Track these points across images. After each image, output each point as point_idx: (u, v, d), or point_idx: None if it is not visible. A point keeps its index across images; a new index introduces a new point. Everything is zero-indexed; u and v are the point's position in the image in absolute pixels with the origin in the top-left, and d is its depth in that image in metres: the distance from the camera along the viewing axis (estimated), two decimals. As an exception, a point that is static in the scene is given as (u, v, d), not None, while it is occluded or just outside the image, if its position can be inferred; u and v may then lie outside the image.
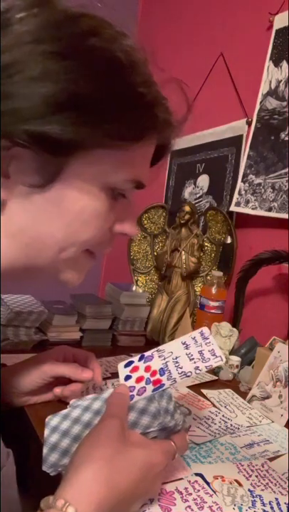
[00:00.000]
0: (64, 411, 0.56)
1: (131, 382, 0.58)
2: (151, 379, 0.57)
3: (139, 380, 0.58)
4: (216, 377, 0.93)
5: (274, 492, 0.56)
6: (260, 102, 1.14)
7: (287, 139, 1.06)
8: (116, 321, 1.12)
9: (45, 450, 0.52)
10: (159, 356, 0.60)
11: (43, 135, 0.39)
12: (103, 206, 0.47)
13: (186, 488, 0.54)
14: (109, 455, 0.44)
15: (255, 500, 0.54)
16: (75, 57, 0.40)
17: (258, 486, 0.57)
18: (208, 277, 1.22)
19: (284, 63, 1.09)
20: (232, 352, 1.00)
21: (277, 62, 1.11)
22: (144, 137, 0.46)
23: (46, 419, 0.55)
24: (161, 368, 0.58)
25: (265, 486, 0.57)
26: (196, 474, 0.57)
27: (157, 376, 0.57)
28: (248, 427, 0.74)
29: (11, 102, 0.39)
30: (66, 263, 0.49)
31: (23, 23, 0.40)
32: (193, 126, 1.41)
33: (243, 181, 1.17)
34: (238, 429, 0.72)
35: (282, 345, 0.81)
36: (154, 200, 1.39)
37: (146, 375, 0.58)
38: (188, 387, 0.86)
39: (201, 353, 0.58)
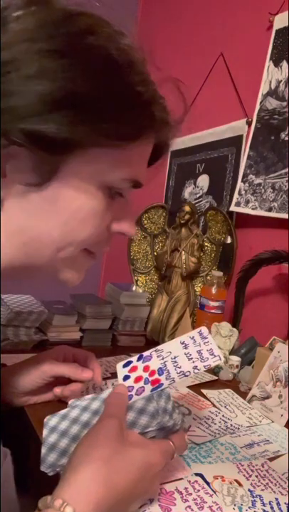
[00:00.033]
0: (63, 411, 0.56)
1: (129, 382, 0.58)
2: (150, 379, 0.57)
3: (137, 379, 0.58)
4: (216, 377, 0.93)
5: (274, 492, 0.56)
6: (260, 102, 1.14)
7: (287, 139, 1.06)
8: (116, 321, 1.12)
9: (43, 450, 0.52)
10: (158, 356, 0.60)
11: (39, 134, 0.39)
12: (100, 205, 0.47)
13: (186, 488, 0.54)
14: (108, 455, 0.44)
15: (255, 500, 0.54)
16: (72, 56, 0.40)
17: (258, 486, 0.57)
18: (208, 277, 1.22)
19: (284, 63, 1.09)
20: (232, 352, 1.00)
21: (277, 63, 1.11)
22: (141, 136, 0.46)
23: (45, 419, 0.55)
24: (160, 368, 0.58)
25: (265, 486, 0.57)
26: (196, 474, 0.57)
27: (156, 376, 0.57)
28: (248, 427, 0.74)
29: (7, 100, 0.39)
30: (65, 262, 0.49)
31: (20, 21, 0.40)
32: (193, 126, 1.41)
33: (243, 181, 1.17)
34: (238, 429, 0.72)
35: (282, 345, 0.81)
36: (154, 200, 1.39)
37: (145, 374, 0.58)
38: (188, 387, 0.86)
39: (199, 352, 0.58)
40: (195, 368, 0.56)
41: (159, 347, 0.63)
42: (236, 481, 0.57)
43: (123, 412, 0.52)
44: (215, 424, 0.73)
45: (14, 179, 0.43)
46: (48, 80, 0.39)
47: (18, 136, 0.39)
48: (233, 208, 1.18)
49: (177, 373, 0.56)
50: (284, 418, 0.76)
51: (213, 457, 0.62)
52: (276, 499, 0.55)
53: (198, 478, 0.56)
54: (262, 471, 0.60)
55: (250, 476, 0.59)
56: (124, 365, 0.62)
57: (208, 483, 0.56)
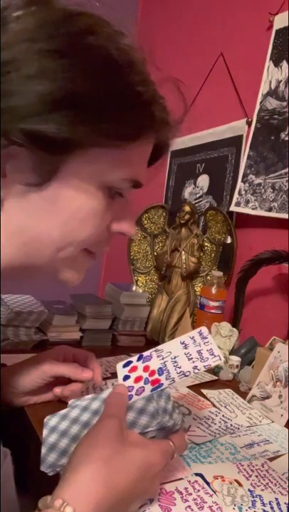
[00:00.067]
0: (63, 411, 0.56)
1: (129, 382, 0.58)
2: (150, 379, 0.57)
3: (137, 379, 0.58)
4: (216, 377, 0.93)
5: (274, 492, 0.56)
6: (260, 102, 1.14)
7: (287, 139, 1.06)
8: (116, 321, 1.12)
9: (43, 450, 0.52)
10: (158, 356, 0.60)
11: (39, 134, 0.39)
12: (100, 205, 0.47)
13: (186, 488, 0.54)
14: (108, 455, 0.44)
15: (255, 500, 0.54)
16: (72, 56, 0.40)
17: (258, 486, 0.57)
18: (208, 277, 1.22)
19: (284, 63, 1.09)
20: (232, 352, 1.00)
21: (277, 63, 1.11)
22: (141, 136, 0.46)
23: (45, 420, 0.55)
24: (160, 368, 0.58)
25: (265, 486, 0.57)
26: (196, 474, 0.57)
27: (156, 376, 0.57)
28: (248, 427, 0.74)
29: (7, 100, 0.39)
30: (65, 262, 0.49)
31: (20, 21, 0.40)
32: (193, 126, 1.41)
33: (243, 181, 1.17)
34: (238, 429, 0.72)
35: (282, 345, 0.81)
36: (154, 200, 1.39)
37: (145, 374, 0.58)
38: (188, 387, 0.86)
39: (199, 352, 0.58)
40: (195, 367, 0.56)
41: (159, 347, 0.63)
42: (236, 481, 0.57)
43: (123, 412, 0.52)
44: (215, 424, 0.73)
45: (14, 179, 0.43)
46: (47, 80, 0.39)
47: (18, 136, 0.39)
48: (233, 208, 1.18)
49: (177, 373, 0.56)
50: (284, 418, 0.76)
51: (213, 457, 0.62)
52: (276, 499, 0.55)
53: (198, 478, 0.56)
54: (262, 471, 0.60)
55: (250, 476, 0.59)
56: (124, 365, 0.62)
57: (208, 483, 0.56)
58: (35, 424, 0.65)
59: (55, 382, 0.69)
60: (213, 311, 1.08)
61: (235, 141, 1.25)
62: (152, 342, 1.16)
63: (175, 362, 0.58)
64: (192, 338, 0.61)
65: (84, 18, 0.43)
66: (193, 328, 1.11)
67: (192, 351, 0.58)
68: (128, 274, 1.35)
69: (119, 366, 0.62)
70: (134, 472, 0.45)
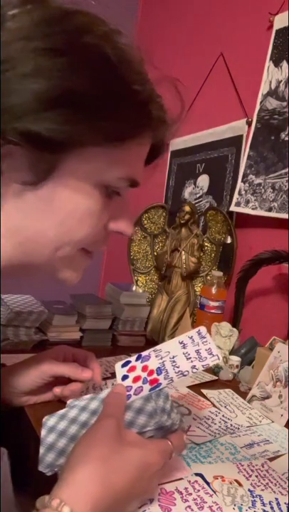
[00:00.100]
0: (61, 411, 0.56)
1: (128, 382, 0.58)
2: (148, 378, 0.57)
3: (136, 379, 0.58)
4: (216, 377, 0.93)
5: (274, 492, 0.56)
6: (261, 102, 1.14)
7: (287, 139, 1.06)
8: (116, 321, 1.12)
9: (41, 450, 0.52)
10: (156, 356, 0.60)
11: (35, 133, 0.39)
12: (97, 204, 0.47)
13: (186, 488, 0.54)
14: (106, 455, 0.44)
15: (255, 500, 0.54)
16: (68, 54, 0.40)
17: (258, 486, 0.57)
18: (208, 277, 1.22)
19: (284, 63, 1.09)
20: (232, 352, 1.00)
21: (277, 63, 1.11)
22: (138, 135, 0.46)
23: (43, 420, 0.55)
24: (158, 368, 0.58)
25: (265, 486, 0.57)
26: (196, 474, 0.57)
27: (154, 376, 0.57)
28: (248, 427, 0.74)
29: (3, 99, 0.39)
30: (62, 262, 0.49)
31: (16, 19, 0.40)
32: (193, 126, 1.41)
33: (243, 181, 1.17)
34: (238, 429, 0.72)
35: (282, 345, 0.81)
36: (154, 200, 1.39)
37: (144, 374, 0.58)
38: (188, 387, 0.86)
39: (198, 352, 0.58)
40: (193, 367, 0.56)
41: (157, 347, 0.63)
42: (236, 481, 0.57)
43: (121, 411, 0.52)
44: (215, 424, 0.73)
45: (10, 178, 0.43)
46: (43, 78, 0.39)
47: (13, 135, 0.39)
48: (233, 208, 1.18)
49: (176, 373, 0.56)
50: (284, 418, 0.76)
51: (213, 457, 0.62)
52: (276, 499, 0.55)
53: (198, 478, 0.56)
54: (262, 471, 0.60)
55: (250, 476, 0.59)
56: (123, 365, 0.62)
57: (208, 483, 0.56)
58: (35, 424, 0.64)
59: (55, 382, 0.69)
60: (213, 311, 1.08)
61: (235, 141, 1.25)
62: (152, 342, 1.15)
63: (173, 361, 0.58)
64: (191, 337, 0.61)
65: (80, 17, 0.42)
66: (193, 328, 1.11)
67: (191, 351, 0.58)
68: (128, 274, 1.35)
69: (117, 366, 0.62)
70: (132, 472, 0.45)
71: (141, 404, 0.53)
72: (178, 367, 0.57)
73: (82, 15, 0.43)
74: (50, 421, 0.55)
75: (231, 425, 0.73)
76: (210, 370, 0.96)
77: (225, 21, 1.38)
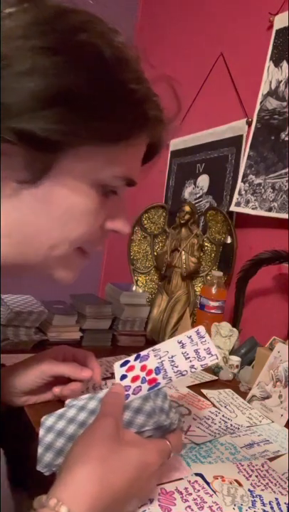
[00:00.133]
0: (59, 411, 0.56)
1: (126, 382, 0.58)
2: (147, 378, 0.57)
3: (134, 379, 0.58)
4: (216, 377, 0.93)
5: (274, 492, 0.56)
6: (261, 102, 1.14)
7: (287, 139, 1.06)
8: (116, 321, 1.12)
9: (39, 450, 0.52)
10: (155, 355, 0.60)
11: (30, 132, 0.39)
12: (93, 203, 0.47)
13: (186, 488, 0.54)
14: (104, 454, 0.44)
15: (255, 500, 0.54)
16: (64, 53, 0.40)
17: (258, 486, 0.57)
18: (208, 277, 1.22)
19: (284, 63, 1.09)
20: (232, 352, 1.00)
21: (277, 63, 1.11)
22: (134, 134, 0.46)
23: (42, 419, 0.55)
24: (157, 367, 0.58)
25: (265, 486, 0.57)
26: (196, 474, 0.57)
27: (153, 375, 0.57)
28: (248, 427, 0.74)
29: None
30: (58, 261, 0.49)
31: (13, 18, 0.40)
32: (193, 126, 1.41)
33: (243, 181, 1.17)
34: (238, 429, 0.72)
35: (282, 345, 0.81)
36: (154, 200, 1.39)
37: (142, 374, 0.58)
38: (188, 387, 0.86)
39: (196, 351, 0.58)
40: (192, 367, 0.56)
41: (156, 346, 0.63)
42: (236, 481, 0.57)
43: (119, 411, 0.52)
44: (215, 424, 0.73)
45: (6, 177, 0.43)
46: (40, 76, 0.39)
47: (9, 134, 0.39)
48: (233, 208, 1.18)
49: (174, 372, 0.56)
50: (284, 418, 0.76)
51: (213, 457, 0.62)
52: (276, 499, 0.55)
53: (198, 478, 0.56)
54: (262, 471, 0.60)
55: (250, 476, 0.59)
56: (122, 365, 0.62)
57: (208, 483, 0.56)
58: (36, 424, 0.64)
59: (55, 382, 0.69)
60: (213, 311, 1.08)
61: (236, 141, 1.25)
62: (152, 342, 1.15)
63: (172, 361, 0.58)
64: (189, 337, 0.61)
65: (76, 16, 0.42)
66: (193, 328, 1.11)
67: (189, 350, 0.58)
68: (128, 274, 1.35)
69: (116, 365, 0.62)
70: (130, 471, 0.45)
71: (139, 404, 0.53)
72: (177, 366, 0.57)
73: (79, 14, 0.43)
74: (48, 421, 0.55)
75: (231, 425, 0.73)
76: (210, 370, 0.96)
77: (225, 21, 1.38)
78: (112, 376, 0.84)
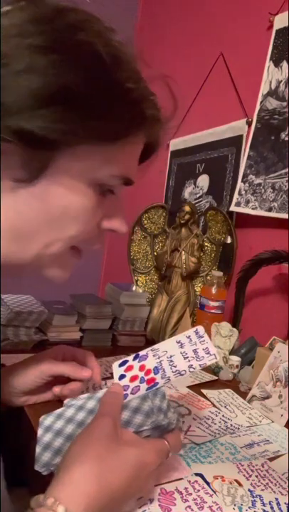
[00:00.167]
0: (58, 410, 0.56)
1: (125, 381, 0.58)
2: (145, 378, 0.57)
3: (133, 379, 0.58)
4: (216, 377, 0.93)
5: (274, 492, 0.56)
6: (261, 102, 1.14)
7: (287, 139, 1.06)
8: (116, 321, 1.12)
9: (37, 449, 0.52)
10: (154, 355, 0.60)
11: (27, 131, 0.39)
12: (90, 202, 0.47)
13: (186, 488, 0.54)
14: (102, 454, 0.44)
15: (255, 500, 0.54)
16: (61, 52, 0.40)
17: (258, 486, 0.57)
18: (208, 277, 1.22)
19: (284, 63, 1.09)
20: (232, 352, 1.00)
21: (277, 63, 1.11)
22: (131, 133, 0.46)
23: (40, 419, 0.55)
24: (156, 367, 0.58)
25: (265, 486, 0.57)
26: (196, 474, 0.57)
27: (151, 375, 0.57)
28: (248, 427, 0.74)
29: None
30: (52, 259, 0.49)
31: (10, 16, 0.40)
32: (193, 126, 1.41)
33: (243, 181, 1.17)
34: (238, 429, 0.72)
35: (282, 345, 0.81)
36: (154, 200, 1.39)
37: (141, 374, 0.58)
38: (189, 387, 0.86)
39: (195, 351, 0.58)
40: (190, 366, 0.56)
41: (155, 346, 0.63)
42: (236, 481, 0.57)
43: (118, 410, 0.52)
44: (215, 424, 0.73)
45: (3, 175, 0.42)
46: (37, 75, 0.39)
47: (6, 132, 0.39)
48: (233, 208, 1.18)
49: (173, 372, 0.56)
50: (284, 418, 0.76)
51: (213, 457, 0.62)
52: (276, 499, 0.55)
53: (198, 478, 0.56)
54: (262, 471, 0.60)
55: (250, 476, 0.59)
56: (120, 365, 0.62)
57: (208, 483, 0.56)
58: (35, 424, 0.64)
59: (55, 382, 0.69)
60: (213, 311, 1.08)
61: (235, 141, 1.25)
62: (152, 342, 1.15)
63: (171, 361, 0.58)
64: (188, 337, 0.61)
65: (74, 14, 0.42)
66: (193, 328, 1.11)
67: (188, 350, 0.58)
68: (128, 274, 1.35)
69: (115, 365, 0.62)
70: (128, 471, 0.45)
71: (138, 404, 0.53)
72: (175, 366, 0.57)
73: (76, 12, 0.43)
74: (46, 420, 0.55)
75: (231, 425, 0.73)
76: (210, 370, 0.96)
77: (225, 21, 1.38)
78: (112, 376, 0.84)
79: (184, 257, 1.18)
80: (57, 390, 0.69)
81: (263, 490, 0.56)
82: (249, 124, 1.19)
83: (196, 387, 0.87)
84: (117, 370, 0.61)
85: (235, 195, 1.18)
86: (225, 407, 0.80)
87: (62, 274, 0.51)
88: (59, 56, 0.40)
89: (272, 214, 1.06)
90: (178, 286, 1.19)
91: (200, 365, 0.56)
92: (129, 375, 0.59)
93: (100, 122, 0.43)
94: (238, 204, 1.17)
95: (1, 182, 0.43)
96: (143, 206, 1.34)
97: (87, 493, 0.41)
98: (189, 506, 0.51)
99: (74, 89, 0.40)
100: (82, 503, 0.40)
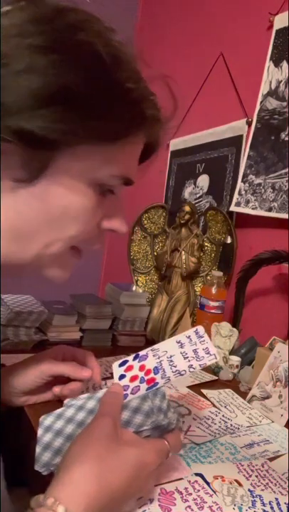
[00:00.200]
0: (58, 410, 0.56)
1: (125, 381, 0.58)
2: (145, 378, 0.57)
3: (133, 379, 0.58)
4: (216, 377, 0.93)
5: (274, 492, 0.56)
6: (261, 102, 1.14)
7: (287, 139, 1.06)
8: (116, 321, 1.12)
9: (37, 449, 0.52)
10: (154, 355, 0.60)
11: (27, 131, 0.39)
12: (90, 202, 0.47)
13: (186, 488, 0.54)
14: (102, 454, 0.44)
15: (255, 500, 0.54)
16: (61, 52, 0.40)
17: (258, 486, 0.57)
18: (208, 277, 1.22)
19: (284, 63, 1.09)
20: (232, 352, 1.00)
21: (277, 63, 1.11)
22: (131, 133, 0.46)
23: (40, 419, 0.55)
24: (156, 367, 0.58)
25: (265, 486, 0.57)
26: (196, 474, 0.57)
27: (151, 375, 0.57)
28: (248, 427, 0.74)
29: None
30: (52, 259, 0.49)
31: (10, 16, 0.40)
32: (193, 126, 1.41)
33: (243, 181, 1.17)
34: (238, 429, 0.72)
35: (282, 345, 0.81)
36: (154, 200, 1.39)
37: (141, 374, 0.58)
38: (189, 387, 0.86)
39: (195, 351, 0.58)
40: (190, 366, 0.56)
41: (155, 346, 0.63)
42: (236, 481, 0.57)
43: (118, 410, 0.52)
44: (215, 424, 0.73)
45: (4, 175, 0.42)
46: (37, 75, 0.39)
47: (6, 132, 0.39)
48: (233, 208, 1.18)
49: (172, 372, 0.56)
50: (284, 418, 0.76)
51: (213, 457, 0.62)
52: (276, 499, 0.55)
53: (198, 478, 0.56)
54: (262, 471, 0.60)
55: (250, 476, 0.59)
56: (120, 365, 0.62)
57: (208, 483, 0.56)
58: (35, 424, 0.64)
59: (55, 382, 0.69)
60: (213, 311, 1.08)
61: (235, 141, 1.25)
62: (152, 342, 1.15)
63: (171, 361, 0.58)
64: (188, 337, 0.61)
65: (74, 14, 0.42)
66: (193, 328, 1.11)
67: (188, 350, 0.58)
68: (128, 274, 1.35)
69: (115, 365, 0.62)
70: (128, 471, 0.45)
71: (138, 404, 0.53)
72: (175, 366, 0.57)
73: (76, 12, 0.43)
74: (46, 420, 0.55)
75: (231, 425, 0.73)
76: (210, 370, 0.96)
77: (225, 21, 1.38)
78: (112, 376, 0.84)
79: (184, 257, 1.18)
80: (57, 390, 0.69)
81: (263, 490, 0.56)
82: (249, 124, 1.19)
83: (196, 387, 0.87)
84: (117, 370, 0.61)
85: (235, 195, 1.18)
86: (225, 407, 0.80)
87: (62, 274, 0.51)
88: (59, 56, 0.40)
89: (272, 214, 1.06)
90: (178, 286, 1.19)
91: (200, 365, 0.56)
92: (129, 375, 0.59)
93: (100, 122, 0.43)
94: (238, 204, 1.17)
95: (0, 182, 0.43)
96: (143, 206, 1.34)
97: (87, 493, 0.41)
98: (189, 506, 0.51)
99: (74, 89, 0.40)
100: (82, 503, 0.40)
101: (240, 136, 1.23)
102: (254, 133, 1.16)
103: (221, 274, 1.11)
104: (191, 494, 0.53)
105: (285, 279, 1.06)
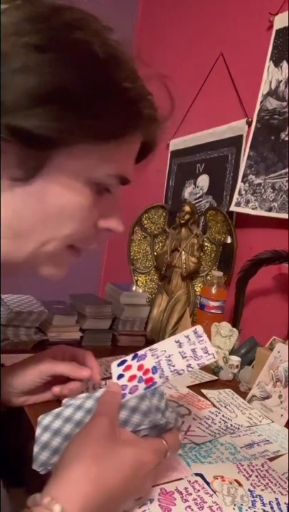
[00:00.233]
0: (56, 410, 0.56)
1: (123, 381, 0.58)
2: (144, 377, 0.57)
3: (131, 378, 0.58)
4: (216, 377, 0.93)
5: (274, 492, 0.56)
6: (261, 102, 1.14)
7: (287, 139, 1.06)
8: (116, 321, 1.12)
9: (35, 449, 0.52)
10: (152, 355, 0.60)
11: (24, 129, 0.39)
12: (87, 201, 0.47)
13: (186, 488, 0.54)
14: (99, 453, 0.44)
15: (255, 500, 0.54)
16: (58, 50, 0.40)
17: (258, 486, 0.57)
18: (208, 277, 1.22)
19: (284, 63, 1.09)
20: (232, 352, 1.00)
21: (277, 63, 1.11)
22: (128, 132, 0.46)
23: (38, 418, 0.55)
24: (154, 367, 0.58)
25: (265, 486, 0.57)
26: (196, 474, 0.57)
27: (150, 374, 0.57)
28: (248, 427, 0.74)
29: None
30: (47, 257, 0.49)
31: (6, 14, 0.40)
32: (193, 126, 1.41)
33: (243, 181, 1.17)
34: (238, 429, 0.72)
35: (282, 345, 0.81)
36: (154, 200, 1.39)
37: (139, 373, 0.58)
38: (188, 387, 0.86)
39: (193, 351, 0.58)
40: (189, 366, 0.56)
41: (153, 346, 0.63)
42: (236, 481, 0.57)
43: (115, 410, 0.52)
44: (215, 424, 0.73)
45: (1, 174, 0.43)
46: (33, 74, 0.39)
47: (3, 131, 0.39)
48: (233, 208, 1.18)
49: (171, 372, 0.56)
50: (284, 418, 0.76)
51: (213, 457, 0.62)
52: (276, 499, 0.55)
53: (198, 478, 0.56)
54: (262, 471, 0.60)
55: (250, 476, 0.59)
56: (119, 364, 0.62)
57: (208, 483, 0.56)
58: (35, 424, 0.64)
59: (54, 382, 0.69)
60: (213, 311, 1.08)
61: (235, 141, 1.25)
62: (152, 342, 1.14)
63: (169, 360, 0.58)
64: (187, 336, 0.61)
65: (70, 13, 0.42)
66: (193, 328, 1.11)
67: (186, 350, 0.58)
68: (128, 274, 1.35)
69: (113, 365, 0.62)
70: (125, 470, 0.45)
71: (136, 403, 0.53)
72: (173, 366, 0.57)
73: (73, 11, 0.43)
74: (45, 420, 0.55)
75: (231, 425, 0.73)
76: (210, 370, 0.96)
77: (225, 21, 1.38)
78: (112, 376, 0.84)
79: (184, 257, 1.18)
80: (56, 389, 0.69)
81: (263, 490, 0.56)
82: (249, 124, 1.19)
83: (196, 387, 0.86)
84: (115, 369, 0.61)
85: (235, 195, 1.18)
86: (225, 407, 0.80)
87: (57, 272, 0.51)
88: (55, 55, 0.40)
89: (272, 214, 1.06)
90: (178, 286, 1.19)
91: (198, 364, 0.56)
92: (127, 374, 0.59)
93: (97, 121, 0.43)
94: (238, 204, 1.17)
95: (0, 182, 0.43)
96: (143, 206, 1.34)
97: (85, 493, 0.41)
98: (189, 506, 0.51)
99: (70, 88, 0.40)
100: (79, 502, 0.40)
101: (240, 136, 1.23)
102: (254, 133, 1.16)
103: (221, 274, 1.11)
104: (191, 494, 0.53)
105: (285, 279, 1.06)
